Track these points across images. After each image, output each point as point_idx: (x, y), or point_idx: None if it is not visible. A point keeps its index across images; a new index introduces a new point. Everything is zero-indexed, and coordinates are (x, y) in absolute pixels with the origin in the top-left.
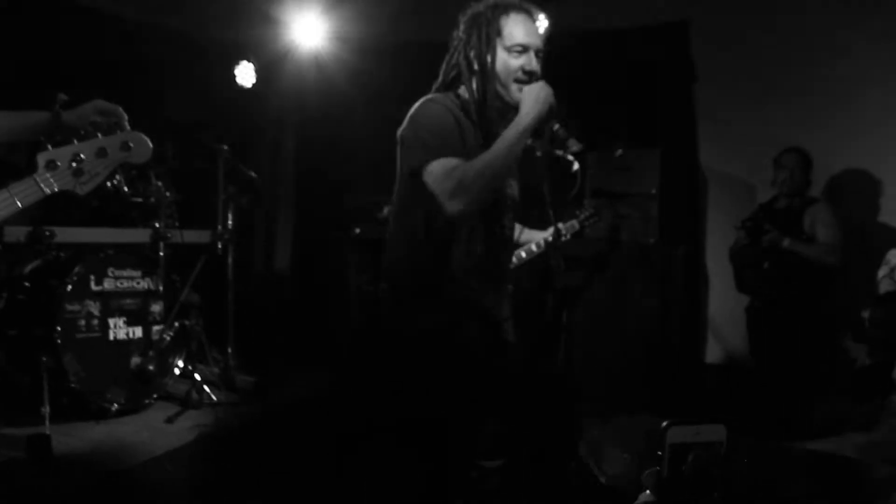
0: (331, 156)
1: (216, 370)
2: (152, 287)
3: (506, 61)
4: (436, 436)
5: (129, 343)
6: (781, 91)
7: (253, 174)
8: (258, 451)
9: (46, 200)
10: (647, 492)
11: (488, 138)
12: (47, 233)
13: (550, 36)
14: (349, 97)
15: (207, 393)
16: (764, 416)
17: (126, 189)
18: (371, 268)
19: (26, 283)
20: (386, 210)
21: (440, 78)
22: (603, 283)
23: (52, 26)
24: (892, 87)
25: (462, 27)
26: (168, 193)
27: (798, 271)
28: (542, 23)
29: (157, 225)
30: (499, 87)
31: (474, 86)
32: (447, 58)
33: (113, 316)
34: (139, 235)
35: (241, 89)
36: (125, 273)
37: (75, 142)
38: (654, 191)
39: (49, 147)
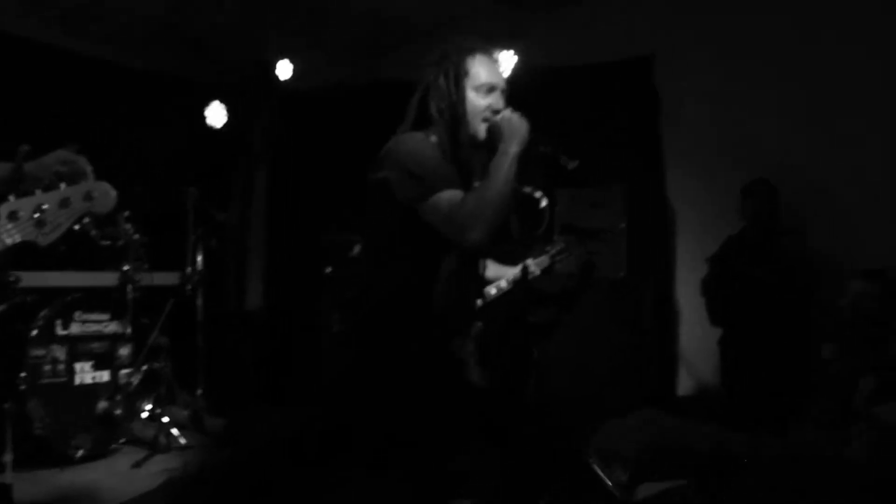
0: (303, 194)
1: (185, 413)
2: (120, 330)
3: (474, 101)
4: (404, 477)
5: (95, 387)
6: (748, 123)
7: (221, 216)
8: (228, 496)
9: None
10: None
11: (463, 176)
12: (12, 278)
13: (518, 72)
14: (322, 135)
15: (176, 436)
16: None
17: (94, 232)
18: (344, 307)
19: None
20: (357, 249)
21: (408, 119)
22: (573, 319)
23: (16, 70)
24: (862, 117)
25: (429, 69)
26: (137, 236)
27: (769, 303)
28: (510, 59)
29: (125, 268)
30: (468, 127)
31: (446, 126)
32: (414, 99)
33: (80, 360)
34: (107, 279)
35: (213, 129)
36: (93, 317)
37: (38, 192)
38: (622, 226)
39: (11, 198)
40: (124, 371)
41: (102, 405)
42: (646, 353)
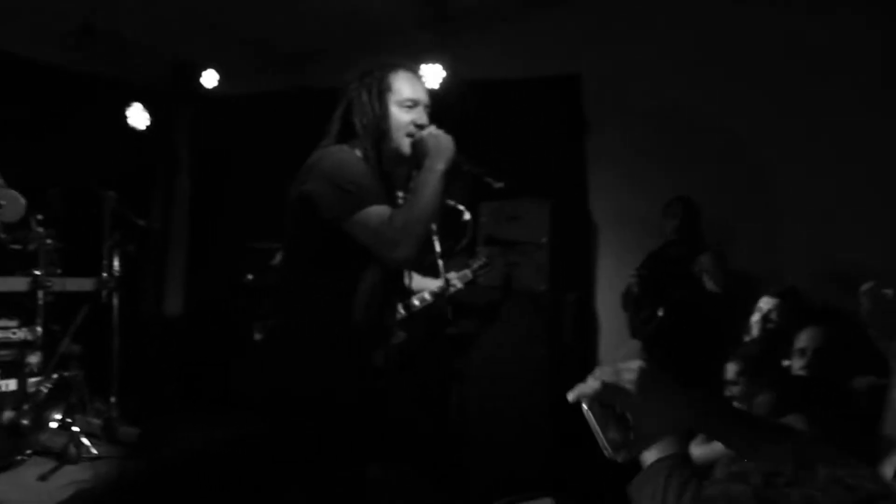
0: (226, 200)
1: (98, 422)
2: (29, 338)
3: (397, 116)
4: (321, 489)
5: (1, 397)
6: (671, 141)
7: (140, 221)
8: None
9: None
10: None
11: (387, 190)
12: None
13: (445, 85)
14: (245, 141)
15: (87, 446)
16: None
17: (3, 236)
18: (264, 317)
19: None
20: (279, 257)
21: (331, 132)
22: (495, 331)
23: None
24: (784, 138)
25: (352, 84)
26: (50, 241)
27: (690, 319)
28: (437, 73)
29: (36, 273)
30: (391, 142)
31: (370, 141)
32: (337, 113)
33: None
34: (17, 284)
35: (134, 131)
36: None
37: None
38: (544, 239)
39: None
40: (33, 379)
41: (8, 415)
42: (566, 364)
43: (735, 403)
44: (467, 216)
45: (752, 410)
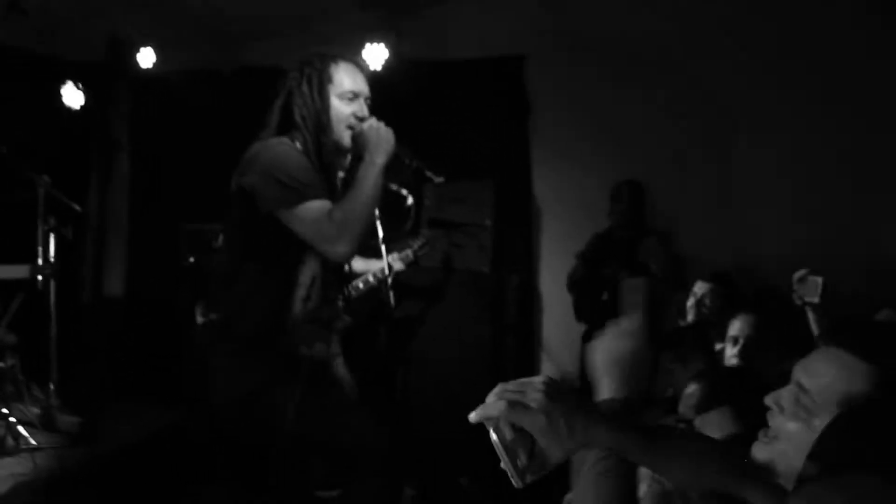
0: (166, 181)
1: (36, 411)
2: None
3: (338, 108)
4: (266, 476)
5: None
6: (617, 125)
7: (76, 206)
8: (83, 501)
9: None
10: None
11: (328, 182)
12: None
13: (389, 66)
14: (184, 121)
15: (25, 437)
16: None
17: None
18: (206, 300)
19: None
20: (221, 239)
21: (271, 124)
22: (438, 313)
23: None
24: (729, 117)
25: (291, 75)
26: None
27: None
28: (381, 53)
29: None
30: (332, 134)
31: (310, 133)
32: (276, 105)
33: None
34: None
35: (68, 111)
36: None
37: None
38: (488, 221)
39: None
40: None
41: None
42: (509, 344)
43: (670, 390)
44: (410, 200)
45: (683, 400)
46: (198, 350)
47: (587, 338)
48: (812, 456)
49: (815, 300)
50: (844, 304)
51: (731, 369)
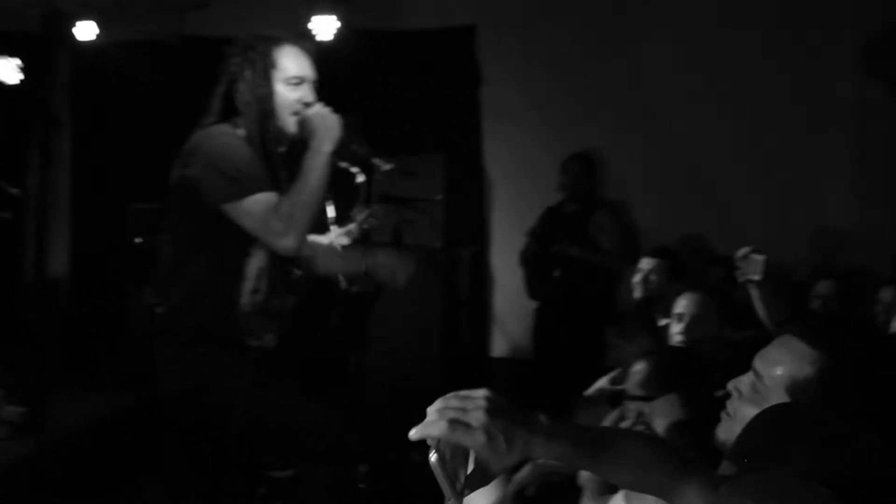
0: (112, 159)
1: None
2: None
3: (283, 94)
4: (216, 462)
5: None
6: (569, 95)
7: (13, 189)
8: (30, 495)
9: None
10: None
11: (274, 171)
12: None
13: (339, 37)
14: (130, 96)
15: None
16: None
17: None
18: (153, 287)
19: None
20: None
21: (213, 111)
22: (390, 290)
23: None
24: (682, 89)
25: (234, 60)
26: None
27: (587, 279)
28: (331, 24)
29: None
30: (277, 121)
31: (254, 120)
32: (218, 90)
33: None
34: None
35: (4, 87)
36: None
37: None
38: (439, 196)
39: None
40: None
41: None
42: (462, 318)
43: (615, 371)
44: (361, 178)
45: (629, 378)
46: (144, 336)
47: (540, 314)
48: (730, 456)
49: (758, 278)
50: (789, 272)
51: (677, 349)
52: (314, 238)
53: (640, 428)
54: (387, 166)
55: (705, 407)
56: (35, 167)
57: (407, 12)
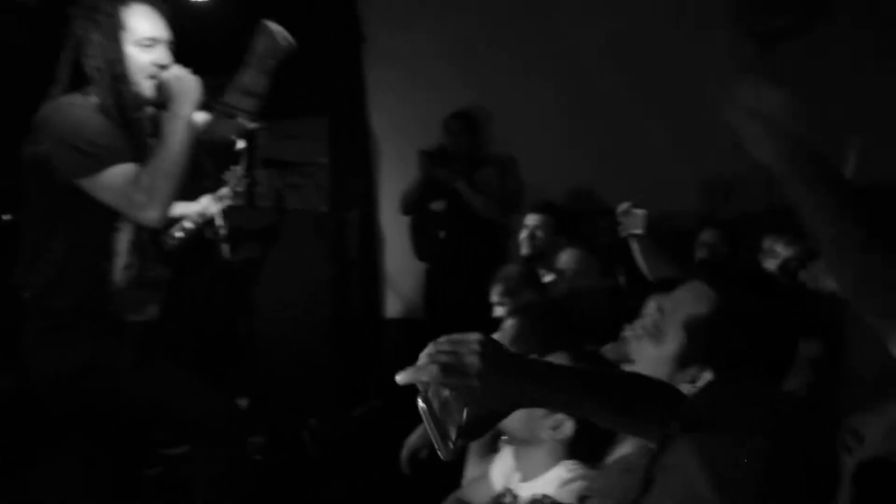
0: None
1: None
2: None
3: (136, 57)
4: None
5: None
6: (455, 51)
7: None
8: None
9: None
10: None
11: (133, 139)
12: None
13: None
14: None
15: None
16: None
17: None
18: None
19: None
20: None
21: (61, 80)
22: (277, 255)
23: None
24: (571, 44)
25: (78, 23)
26: None
27: (473, 237)
28: None
29: None
30: (131, 86)
31: (107, 87)
32: (65, 57)
33: None
34: None
35: None
36: None
37: None
38: (324, 159)
39: None
40: None
41: None
42: (353, 281)
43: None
44: (240, 145)
45: (501, 333)
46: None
47: (430, 274)
48: (678, 415)
49: (639, 232)
50: (671, 221)
51: (549, 304)
52: (184, 205)
53: None
54: (252, 125)
55: (595, 363)
56: None
57: None
